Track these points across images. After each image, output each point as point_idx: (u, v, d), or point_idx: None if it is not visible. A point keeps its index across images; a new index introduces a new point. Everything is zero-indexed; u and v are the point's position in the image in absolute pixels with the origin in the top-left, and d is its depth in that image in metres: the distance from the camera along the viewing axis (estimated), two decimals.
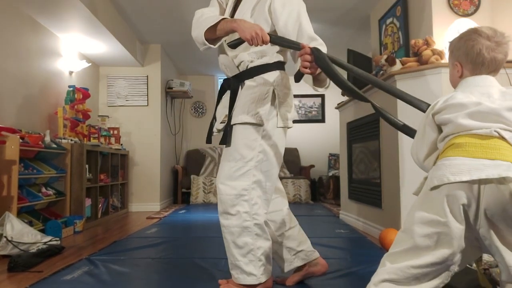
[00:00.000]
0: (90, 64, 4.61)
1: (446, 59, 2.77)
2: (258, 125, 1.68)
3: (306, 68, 1.49)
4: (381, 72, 3.01)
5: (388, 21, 3.78)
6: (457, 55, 1.25)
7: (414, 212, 1.10)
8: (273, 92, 1.72)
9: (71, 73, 4.31)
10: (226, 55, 1.79)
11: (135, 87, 5.28)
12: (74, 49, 4.41)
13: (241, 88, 1.76)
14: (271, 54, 1.76)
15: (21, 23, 3.39)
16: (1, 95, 3.11)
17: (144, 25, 4.69)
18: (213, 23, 1.67)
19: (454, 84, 1.28)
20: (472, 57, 1.19)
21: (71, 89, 3.91)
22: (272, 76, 1.75)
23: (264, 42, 1.55)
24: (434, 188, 1.06)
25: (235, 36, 1.66)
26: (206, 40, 1.71)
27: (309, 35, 1.68)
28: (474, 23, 2.84)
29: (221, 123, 1.81)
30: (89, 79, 4.84)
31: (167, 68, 5.65)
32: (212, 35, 1.70)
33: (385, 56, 2.92)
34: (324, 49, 1.57)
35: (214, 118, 1.87)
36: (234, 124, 1.71)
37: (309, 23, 1.73)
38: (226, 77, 1.87)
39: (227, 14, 1.83)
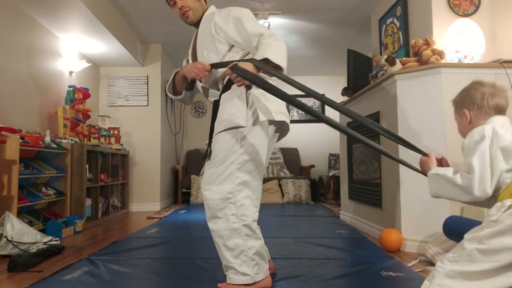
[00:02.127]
0: (90, 64, 4.61)
1: (446, 59, 2.77)
2: (237, 127, 1.71)
3: (238, 83, 1.64)
4: (381, 72, 3.01)
5: (388, 21, 3.78)
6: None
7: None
8: (246, 92, 1.76)
9: (71, 73, 4.31)
10: (208, 91, 1.96)
11: (135, 87, 5.28)
12: (74, 49, 4.41)
13: (220, 103, 1.83)
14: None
15: (21, 23, 3.39)
16: (1, 95, 3.11)
17: (144, 25, 4.69)
18: (171, 80, 2.01)
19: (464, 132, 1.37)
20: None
21: (71, 89, 3.91)
22: None
23: (207, 71, 1.75)
24: None
25: (211, 76, 1.87)
26: (174, 94, 2.06)
27: (255, 33, 1.74)
28: (474, 23, 2.83)
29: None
30: (89, 79, 4.84)
31: (167, 68, 5.65)
32: (179, 86, 2.02)
33: (385, 56, 2.92)
34: (273, 43, 1.66)
35: (211, 131, 1.91)
36: (216, 134, 1.76)
37: (253, 22, 1.79)
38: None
39: (189, 57, 2.05)
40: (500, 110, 1.33)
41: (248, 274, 1.69)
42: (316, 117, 1.54)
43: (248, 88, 1.75)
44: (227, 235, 1.69)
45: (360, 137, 1.52)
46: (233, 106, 1.75)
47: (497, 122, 1.28)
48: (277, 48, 1.66)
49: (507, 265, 1.10)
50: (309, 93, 1.61)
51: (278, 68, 1.64)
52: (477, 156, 1.21)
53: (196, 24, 1.96)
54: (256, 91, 1.77)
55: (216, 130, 1.78)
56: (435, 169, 1.36)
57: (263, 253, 1.76)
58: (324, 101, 1.61)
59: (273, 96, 1.77)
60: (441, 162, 1.43)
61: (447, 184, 1.28)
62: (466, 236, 1.20)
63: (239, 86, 1.67)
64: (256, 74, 1.60)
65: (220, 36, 1.82)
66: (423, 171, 1.45)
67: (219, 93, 1.87)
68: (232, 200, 1.69)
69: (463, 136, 1.36)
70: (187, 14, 1.89)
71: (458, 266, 1.16)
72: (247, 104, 1.75)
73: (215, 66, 1.78)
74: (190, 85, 1.96)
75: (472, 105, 1.34)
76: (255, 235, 1.72)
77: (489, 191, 1.20)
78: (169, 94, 2.06)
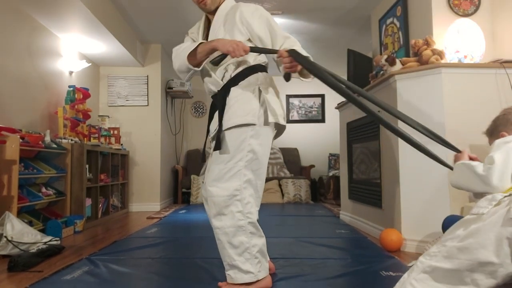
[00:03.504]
0: (90, 64, 4.61)
1: (446, 59, 2.77)
2: (249, 125, 1.71)
3: (290, 68, 1.66)
4: (381, 72, 3.01)
5: (388, 21, 3.78)
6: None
7: None
8: (259, 90, 1.77)
9: (71, 73, 4.31)
10: (209, 76, 1.86)
11: (135, 87, 5.28)
12: (74, 49, 4.41)
13: (229, 96, 1.79)
14: (251, 59, 1.83)
15: (21, 23, 3.39)
16: (1, 95, 3.11)
17: (144, 25, 4.69)
18: (193, 48, 1.77)
19: None
20: None
21: (71, 89, 3.91)
22: (255, 77, 1.80)
23: (245, 52, 1.66)
24: None
25: (225, 61, 1.80)
26: (190, 65, 1.80)
27: (282, 35, 1.82)
28: (474, 23, 2.83)
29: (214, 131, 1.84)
30: (89, 79, 4.84)
31: (167, 68, 5.65)
32: (193, 60, 1.79)
33: (385, 56, 2.92)
34: (297, 45, 1.75)
35: (208, 133, 1.91)
36: (226, 129, 1.74)
37: (278, 25, 1.86)
38: (214, 94, 1.89)
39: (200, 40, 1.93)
40: None
41: (252, 272, 1.70)
42: (365, 101, 1.60)
43: (287, 78, 1.72)
44: (232, 232, 1.69)
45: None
46: (247, 103, 1.74)
47: None
48: (301, 49, 1.74)
49: (475, 266, 1.11)
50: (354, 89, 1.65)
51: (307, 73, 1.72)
52: (501, 152, 1.27)
53: (211, 12, 1.91)
54: (266, 91, 1.78)
55: (226, 124, 1.73)
56: (462, 160, 1.41)
57: (265, 251, 1.77)
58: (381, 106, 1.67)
59: (279, 100, 1.85)
60: (473, 160, 1.47)
61: (468, 173, 1.32)
62: (448, 231, 1.24)
63: (291, 71, 1.67)
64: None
65: (243, 26, 1.80)
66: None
67: (219, 80, 1.82)
68: (238, 197, 1.69)
69: None
70: (205, 1, 1.85)
71: (434, 261, 1.18)
72: (261, 103, 1.76)
73: (254, 49, 1.73)
74: (219, 60, 1.76)
75: (510, 125, 1.46)
76: (258, 233, 1.74)
77: (506, 184, 1.23)
78: (187, 64, 1.79)
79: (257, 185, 1.78)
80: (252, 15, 1.81)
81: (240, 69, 1.80)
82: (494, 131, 1.52)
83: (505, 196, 1.18)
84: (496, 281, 1.10)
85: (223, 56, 1.73)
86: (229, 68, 1.81)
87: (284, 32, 1.84)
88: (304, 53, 1.68)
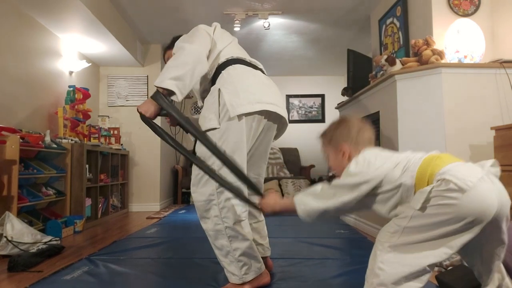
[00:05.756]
0: (90, 64, 4.61)
1: (446, 59, 2.77)
2: (213, 129, 1.69)
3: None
4: (381, 72, 3.01)
5: (388, 21, 3.78)
6: None
7: None
8: (219, 92, 1.70)
9: (71, 73, 4.31)
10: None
11: (135, 87, 5.28)
12: (74, 49, 4.41)
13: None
14: (210, 71, 1.80)
15: (21, 23, 3.39)
16: (1, 95, 3.11)
17: (144, 25, 4.69)
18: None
19: None
20: None
21: (71, 89, 3.91)
22: (218, 81, 1.75)
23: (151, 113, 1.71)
24: None
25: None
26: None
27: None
28: (474, 23, 2.84)
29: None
30: (89, 79, 4.84)
31: None
32: None
33: (385, 56, 2.92)
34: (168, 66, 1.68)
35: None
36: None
37: (177, 45, 1.76)
38: None
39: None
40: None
41: (236, 275, 1.71)
42: None
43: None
44: (214, 235, 1.71)
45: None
46: (207, 109, 1.73)
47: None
48: (166, 66, 1.67)
49: (439, 235, 1.10)
50: None
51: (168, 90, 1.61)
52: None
53: None
54: (225, 88, 1.70)
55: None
56: (299, 195, 1.36)
57: (252, 252, 1.73)
58: None
59: (248, 87, 1.71)
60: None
61: (332, 192, 1.28)
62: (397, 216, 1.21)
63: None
64: (150, 116, 1.65)
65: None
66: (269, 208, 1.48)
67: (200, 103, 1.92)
68: (214, 202, 1.69)
69: None
70: None
71: (396, 238, 1.17)
72: (219, 104, 1.69)
73: (147, 122, 1.73)
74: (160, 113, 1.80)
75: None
76: (240, 236, 1.69)
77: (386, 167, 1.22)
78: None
79: (238, 186, 1.69)
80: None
81: (207, 86, 1.83)
82: (332, 141, 1.48)
83: (432, 188, 1.12)
84: (454, 243, 1.10)
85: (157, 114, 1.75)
86: (199, 88, 1.89)
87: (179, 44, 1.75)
88: (160, 76, 1.63)
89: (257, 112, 1.71)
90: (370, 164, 1.25)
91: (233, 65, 1.78)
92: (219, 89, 1.70)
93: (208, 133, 1.70)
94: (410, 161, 1.21)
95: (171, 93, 1.62)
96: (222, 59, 1.79)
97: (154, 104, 1.64)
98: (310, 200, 1.31)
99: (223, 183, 1.62)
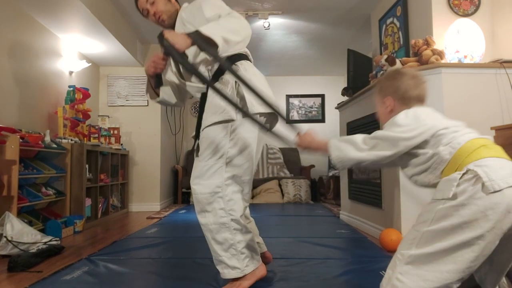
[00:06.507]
0: (90, 64, 4.61)
1: (446, 59, 2.77)
2: (227, 121, 1.69)
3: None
4: (381, 72, 3.01)
5: (388, 21, 3.78)
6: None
7: None
8: (236, 84, 1.71)
9: (71, 73, 4.30)
10: (190, 81, 1.87)
11: (135, 87, 5.28)
12: (74, 49, 4.41)
13: (208, 94, 1.78)
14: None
15: (21, 23, 3.39)
16: (1, 95, 3.11)
17: (144, 25, 4.68)
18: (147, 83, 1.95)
19: None
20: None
21: (71, 89, 3.91)
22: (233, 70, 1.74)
23: (161, 59, 1.73)
24: None
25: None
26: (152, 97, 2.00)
27: (213, 18, 1.71)
28: (474, 23, 2.83)
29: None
30: (89, 79, 4.84)
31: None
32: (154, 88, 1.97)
33: (385, 56, 2.92)
34: (223, 18, 1.67)
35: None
36: (206, 127, 1.73)
37: (213, 7, 1.76)
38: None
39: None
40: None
41: (238, 268, 1.70)
42: None
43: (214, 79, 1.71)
44: (216, 229, 1.69)
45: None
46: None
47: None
48: (220, 24, 1.62)
49: (460, 244, 1.07)
50: None
51: (210, 41, 1.55)
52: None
53: (172, 27, 1.90)
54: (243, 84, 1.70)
55: (205, 123, 1.74)
56: (335, 139, 1.35)
57: (253, 245, 1.76)
58: None
59: (262, 89, 1.71)
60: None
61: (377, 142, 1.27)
62: (418, 219, 1.18)
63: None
64: (183, 48, 1.53)
65: (186, 29, 1.75)
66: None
67: (202, 85, 1.81)
68: (220, 194, 1.69)
69: None
70: (162, 18, 1.85)
71: (414, 249, 1.13)
72: (238, 96, 1.70)
73: (166, 52, 1.65)
74: (157, 81, 1.86)
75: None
76: (244, 229, 1.72)
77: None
78: (150, 99, 2.01)
79: (244, 181, 1.76)
80: (192, 14, 1.79)
81: (215, 68, 1.77)
82: (381, 90, 1.43)
83: (461, 176, 1.10)
84: (476, 254, 1.06)
85: (158, 77, 1.78)
86: (204, 70, 1.80)
87: (221, 10, 1.73)
88: (213, 29, 1.58)
89: (267, 113, 1.76)
90: (419, 120, 1.20)
91: (246, 60, 1.82)
92: (236, 82, 1.71)
93: (221, 124, 1.69)
94: (457, 136, 1.16)
95: (211, 46, 1.56)
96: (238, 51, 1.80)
97: (189, 40, 1.54)
98: (347, 148, 1.28)
99: (246, 112, 1.61)
